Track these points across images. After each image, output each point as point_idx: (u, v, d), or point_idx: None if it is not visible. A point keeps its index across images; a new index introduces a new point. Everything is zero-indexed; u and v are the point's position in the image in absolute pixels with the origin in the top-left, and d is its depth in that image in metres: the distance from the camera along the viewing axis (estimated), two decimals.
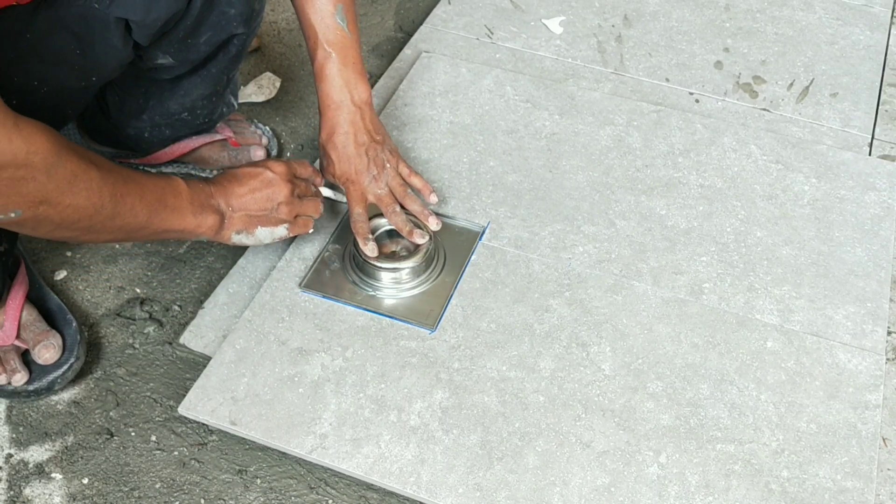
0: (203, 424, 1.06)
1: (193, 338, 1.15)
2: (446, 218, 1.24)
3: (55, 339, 1.07)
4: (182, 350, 1.15)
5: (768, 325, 1.15)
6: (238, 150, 1.35)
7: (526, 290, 1.17)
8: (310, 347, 1.10)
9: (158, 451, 1.05)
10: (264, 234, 1.08)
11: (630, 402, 1.06)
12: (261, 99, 1.51)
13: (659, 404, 1.06)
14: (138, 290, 1.22)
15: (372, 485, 1.02)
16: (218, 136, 1.34)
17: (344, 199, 1.16)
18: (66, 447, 1.05)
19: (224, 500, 1.01)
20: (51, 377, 1.06)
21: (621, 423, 1.04)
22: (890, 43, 1.65)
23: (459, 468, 1.00)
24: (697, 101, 1.51)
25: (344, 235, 1.22)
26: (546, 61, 1.57)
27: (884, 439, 1.09)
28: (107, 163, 0.89)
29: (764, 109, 1.50)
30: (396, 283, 1.16)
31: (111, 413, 1.08)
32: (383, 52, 1.64)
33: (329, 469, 1.03)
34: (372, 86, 1.49)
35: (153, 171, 1.35)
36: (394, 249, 1.20)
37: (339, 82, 1.14)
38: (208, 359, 1.11)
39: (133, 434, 1.06)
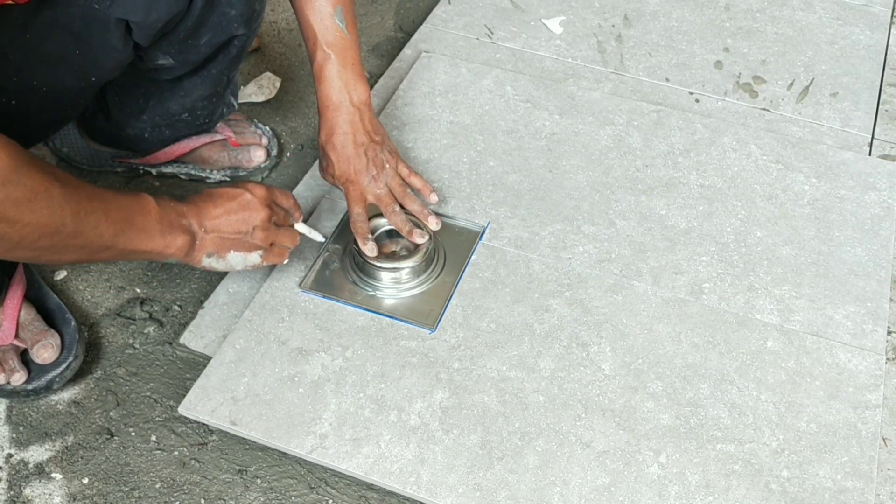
0: (203, 424, 1.06)
1: (193, 338, 1.15)
2: (446, 218, 1.24)
3: (53, 339, 1.07)
4: (182, 350, 1.15)
5: (768, 325, 1.15)
6: (238, 149, 1.35)
7: (526, 289, 1.17)
8: (310, 347, 1.10)
9: (158, 451, 1.05)
10: (237, 259, 1.03)
11: (630, 401, 1.06)
12: (261, 99, 1.51)
13: (659, 404, 1.06)
14: (138, 290, 1.22)
15: (372, 485, 1.02)
16: (218, 136, 1.34)
17: (319, 238, 1.14)
18: (67, 447, 1.05)
19: (224, 500, 1.01)
20: (49, 376, 1.06)
21: (621, 422, 1.04)
22: (890, 43, 1.65)
23: (459, 468, 1.00)
24: (697, 100, 1.51)
25: (344, 235, 1.22)
26: (546, 61, 1.57)
27: (884, 439, 1.09)
28: (71, 179, 0.85)
29: (764, 109, 1.50)
30: (396, 283, 1.16)
31: (111, 413, 1.08)
32: (383, 52, 1.64)
33: (329, 469, 1.03)
34: (372, 86, 1.49)
35: (153, 170, 1.35)
36: (394, 249, 1.20)
37: (338, 83, 1.14)
38: (208, 359, 1.11)
39: (133, 434, 1.06)
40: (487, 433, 1.03)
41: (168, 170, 1.35)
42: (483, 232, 1.24)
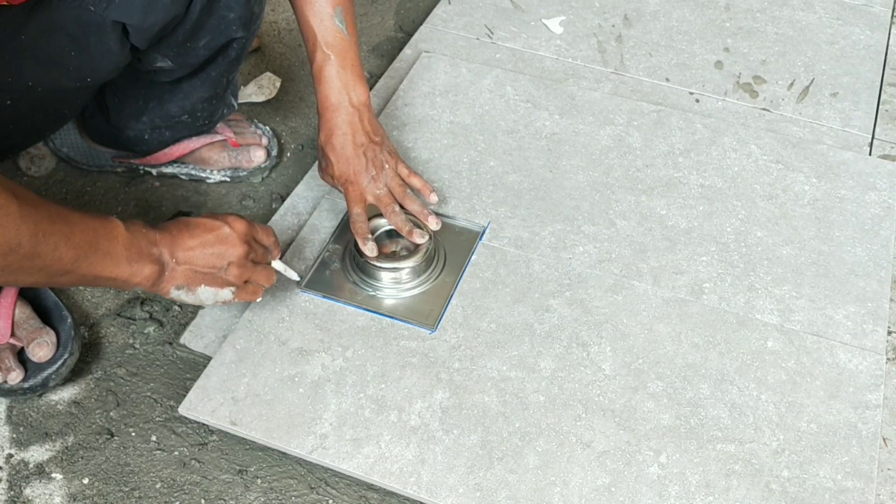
0: (203, 424, 1.06)
1: (193, 338, 1.15)
2: (446, 218, 1.24)
3: (49, 337, 1.06)
4: (182, 350, 1.15)
5: (769, 325, 1.15)
6: (238, 150, 1.35)
7: (526, 289, 1.17)
8: (310, 347, 1.10)
9: (159, 452, 1.05)
10: (207, 294, 0.98)
11: (630, 401, 1.06)
12: (261, 99, 1.51)
13: (659, 404, 1.06)
14: (138, 290, 1.22)
15: (372, 485, 1.02)
16: (218, 137, 1.34)
17: (294, 277, 1.12)
18: (67, 447, 1.05)
19: (224, 500, 1.01)
20: (45, 373, 1.06)
21: (622, 422, 1.04)
22: (890, 43, 1.65)
23: (460, 468, 1.00)
24: (698, 100, 1.51)
25: (344, 235, 1.22)
26: (546, 61, 1.57)
27: (884, 439, 1.09)
28: (33, 198, 0.81)
29: (764, 109, 1.50)
30: (396, 283, 1.16)
31: (111, 413, 1.08)
32: (383, 52, 1.64)
33: (329, 469, 1.03)
34: (372, 86, 1.49)
35: (153, 171, 1.35)
36: (394, 249, 1.20)
37: (338, 84, 1.14)
38: (208, 359, 1.11)
39: (133, 434, 1.06)
40: (488, 433, 1.03)
41: (168, 170, 1.35)
42: (483, 232, 1.24)
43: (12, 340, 1.06)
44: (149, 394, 1.11)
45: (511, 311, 1.15)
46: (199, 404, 1.04)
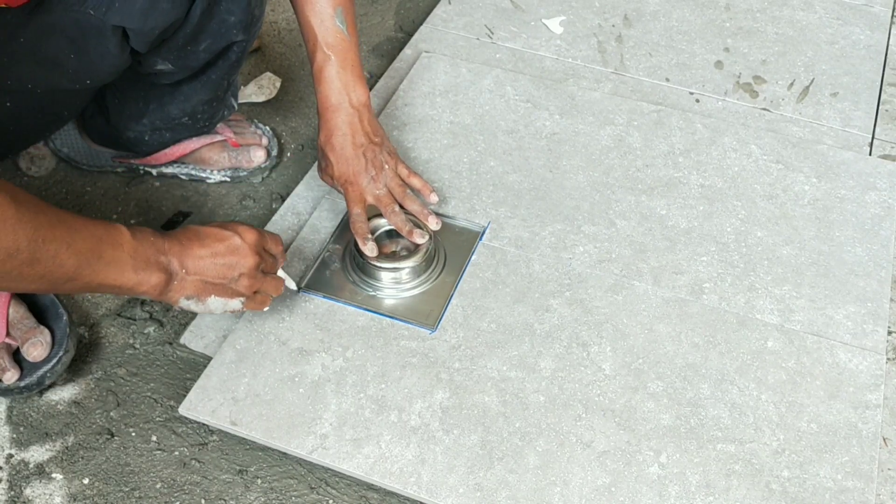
0: (203, 424, 1.06)
1: (194, 338, 1.15)
2: (446, 218, 1.24)
3: (43, 336, 1.06)
4: (182, 350, 1.15)
5: (769, 325, 1.15)
6: (238, 150, 1.35)
7: (526, 289, 1.17)
8: (310, 347, 1.10)
9: (159, 452, 1.05)
10: (217, 304, 0.97)
11: (630, 401, 1.06)
12: (261, 99, 1.51)
13: (659, 404, 1.06)
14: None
15: (372, 485, 1.02)
16: (218, 137, 1.34)
17: (293, 286, 1.13)
18: (67, 447, 1.05)
19: (224, 500, 1.01)
20: (40, 372, 1.05)
21: (622, 422, 1.04)
22: (890, 43, 1.65)
23: (460, 468, 1.00)
24: (698, 100, 1.51)
25: (344, 235, 1.22)
26: (546, 61, 1.57)
27: (884, 439, 1.09)
28: (35, 203, 0.78)
29: (764, 109, 1.50)
30: (396, 283, 1.16)
31: (112, 413, 1.08)
32: (383, 52, 1.64)
33: (329, 469, 1.03)
34: (372, 86, 1.49)
35: (153, 171, 1.35)
36: (394, 249, 1.20)
37: (338, 85, 1.14)
38: (209, 359, 1.11)
39: (133, 434, 1.06)
40: (488, 433, 1.03)
41: (168, 170, 1.35)
42: (483, 232, 1.24)
43: (7, 340, 1.06)
44: (149, 394, 1.11)
45: (511, 311, 1.15)
46: (199, 404, 1.05)
